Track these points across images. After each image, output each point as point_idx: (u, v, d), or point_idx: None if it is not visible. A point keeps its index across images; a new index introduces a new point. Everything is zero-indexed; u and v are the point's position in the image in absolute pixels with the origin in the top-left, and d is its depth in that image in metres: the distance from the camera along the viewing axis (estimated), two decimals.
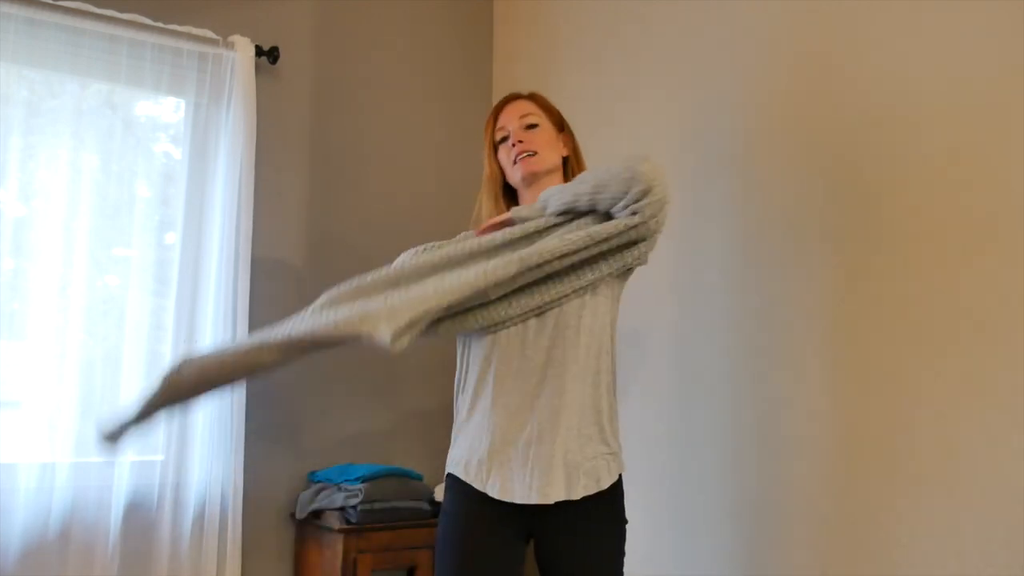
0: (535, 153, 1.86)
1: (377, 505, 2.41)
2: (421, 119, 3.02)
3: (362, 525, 2.38)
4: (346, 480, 2.46)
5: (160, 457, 2.41)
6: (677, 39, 2.42)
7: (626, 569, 1.74)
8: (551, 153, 1.89)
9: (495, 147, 1.93)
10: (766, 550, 2.03)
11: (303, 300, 2.72)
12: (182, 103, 2.57)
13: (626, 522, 1.77)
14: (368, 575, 2.37)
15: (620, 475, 1.76)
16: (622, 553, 1.76)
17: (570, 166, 1.93)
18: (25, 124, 2.31)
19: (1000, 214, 1.66)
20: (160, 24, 2.45)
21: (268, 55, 2.67)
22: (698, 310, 2.27)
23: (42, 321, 2.27)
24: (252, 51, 2.59)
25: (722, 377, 2.19)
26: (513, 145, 1.87)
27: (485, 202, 1.94)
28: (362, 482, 2.41)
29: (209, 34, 2.53)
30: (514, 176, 1.89)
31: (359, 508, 2.37)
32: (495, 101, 3.11)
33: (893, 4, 1.87)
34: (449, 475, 1.80)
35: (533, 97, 1.95)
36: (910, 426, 1.78)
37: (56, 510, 2.22)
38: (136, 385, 2.36)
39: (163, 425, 2.40)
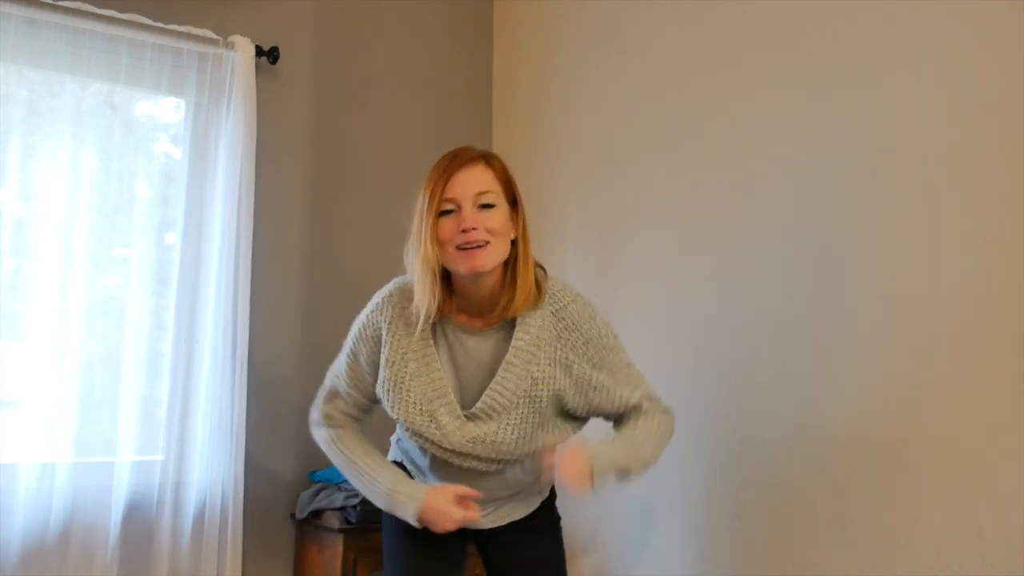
0: (486, 244, 1.52)
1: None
2: (421, 119, 3.02)
3: (362, 525, 2.37)
4: (346, 480, 2.45)
5: (160, 457, 2.41)
6: (677, 39, 2.42)
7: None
8: (503, 245, 1.56)
9: (438, 215, 1.54)
10: (764, 550, 2.03)
11: (303, 300, 2.75)
12: (182, 103, 2.57)
13: (560, 519, 1.81)
14: (368, 575, 2.37)
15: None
16: (563, 552, 1.79)
17: (515, 252, 1.59)
18: (25, 124, 2.31)
19: (1003, 211, 1.66)
20: (160, 24, 2.45)
21: (268, 55, 2.67)
22: (694, 309, 2.28)
23: (42, 321, 2.27)
24: (252, 51, 2.59)
25: (719, 376, 2.19)
26: (463, 231, 1.52)
27: (425, 292, 1.55)
28: None
29: (209, 34, 2.53)
30: (455, 264, 1.55)
31: (359, 508, 2.37)
32: (495, 101, 3.14)
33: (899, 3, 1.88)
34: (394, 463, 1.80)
35: (491, 163, 1.59)
36: (909, 426, 1.78)
37: (56, 510, 2.22)
38: (136, 385, 2.37)
39: (163, 425, 2.41)
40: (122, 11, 2.39)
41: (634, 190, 2.50)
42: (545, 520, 1.79)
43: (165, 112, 2.60)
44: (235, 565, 2.41)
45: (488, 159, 1.60)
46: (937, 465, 1.72)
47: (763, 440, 2.07)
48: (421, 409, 1.60)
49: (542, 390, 1.58)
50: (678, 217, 2.35)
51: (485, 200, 1.55)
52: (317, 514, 2.49)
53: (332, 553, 2.41)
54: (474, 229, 1.52)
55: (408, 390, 1.61)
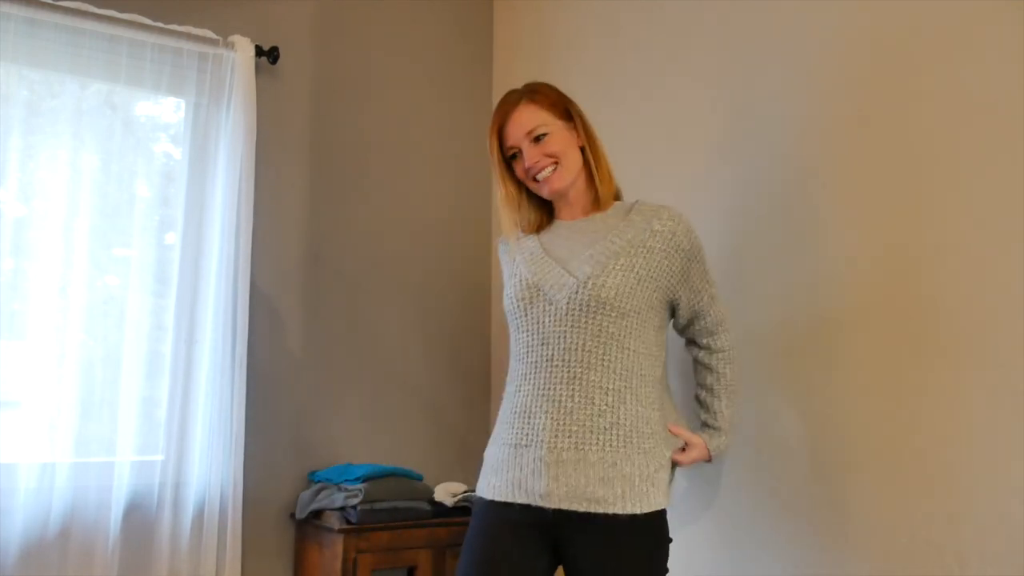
0: (555, 166, 1.75)
1: (377, 505, 2.41)
2: (421, 118, 3.02)
3: (362, 525, 2.38)
4: (346, 480, 2.46)
5: (160, 457, 2.41)
6: (678, 38, 2.42)
7: None
8: (570, 160, 1.77)
9: (507, 163, 1.80)
10: (762, 550, 2.03)
11: (303, 300, 2.75)
12: (182, 103, 2.58)
13: (670, 540, 1.67)
14: (368, 575, 2.38)
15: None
16: (664, 572, 1.65)
17: (587, 156, 1.80)
18: (25, 124, 2.31)
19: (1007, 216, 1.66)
20: (160, 24, 2.46)
21: (268, 55, 2.67)
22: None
23: (42, 321, 2.27)
24: (252, 51, 2.59)
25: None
26: (528, 168, 1.76)
27: (506, 218, 1.82)
28: (362, 482, 2.42)
29: (209, 34, 2.53)
30: (540, 192, 1.80)
31: (359, 508, 2.37)
32: (495, 101, 3.12)
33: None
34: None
35: (534, 97, 1.79)
36: (909, 427, 1.78)
37: (56, 510, 2.22)
38: (136, 385, 2.37)
39: (163, 425, 2.41)
40: (122, 11, 2.39)
41: (634, 190, 2.50)
42: (648, 537, 1.63)
43: (165, 112, 2.60)
44: (235, 565, 2.41)
45: (531, 95, 1.79)
46: (937, 465, 1.72)
47: (761, 441, 2.07)
48: (527, 283, 1.74)
49: (651, 242, 1.73)
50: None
51: (536, 134, 1.75)
52: (317, 514, 2.50)
53: (332, 553, 2.41)
54: (536, 163, 1.75)
55: (517, 272, 1.78)
